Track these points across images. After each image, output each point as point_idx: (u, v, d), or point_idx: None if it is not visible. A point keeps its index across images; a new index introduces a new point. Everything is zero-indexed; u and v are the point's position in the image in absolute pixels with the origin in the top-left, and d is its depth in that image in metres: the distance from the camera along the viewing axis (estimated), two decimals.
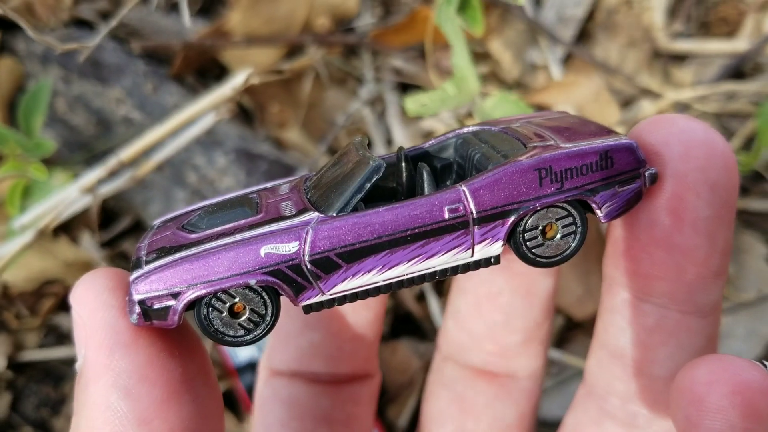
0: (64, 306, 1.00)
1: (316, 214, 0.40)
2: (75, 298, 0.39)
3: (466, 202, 0.41)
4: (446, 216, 0.41)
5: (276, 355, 0.56)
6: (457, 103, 0.82)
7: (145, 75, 1.00)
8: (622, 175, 0.42)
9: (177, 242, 0.40)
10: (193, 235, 0.41)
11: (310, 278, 0.40)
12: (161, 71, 1.04)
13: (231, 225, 0.41)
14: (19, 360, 0.96)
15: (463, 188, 0.41)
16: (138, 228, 1.02)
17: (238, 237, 0.39)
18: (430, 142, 0.49)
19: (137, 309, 0.38)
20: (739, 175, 0.44)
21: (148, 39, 1.09)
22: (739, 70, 1.03)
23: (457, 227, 0.41)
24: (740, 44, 1.02)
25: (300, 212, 0.41)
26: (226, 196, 0.46)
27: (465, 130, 0.49)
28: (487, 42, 1.02)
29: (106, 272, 0.40)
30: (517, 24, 1.04)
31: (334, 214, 0.40)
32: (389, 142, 0.96)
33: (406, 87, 1.06)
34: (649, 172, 0.42)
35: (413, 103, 0.82)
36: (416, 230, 0.40)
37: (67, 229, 0.99)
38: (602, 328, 0.50)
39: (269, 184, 0.48)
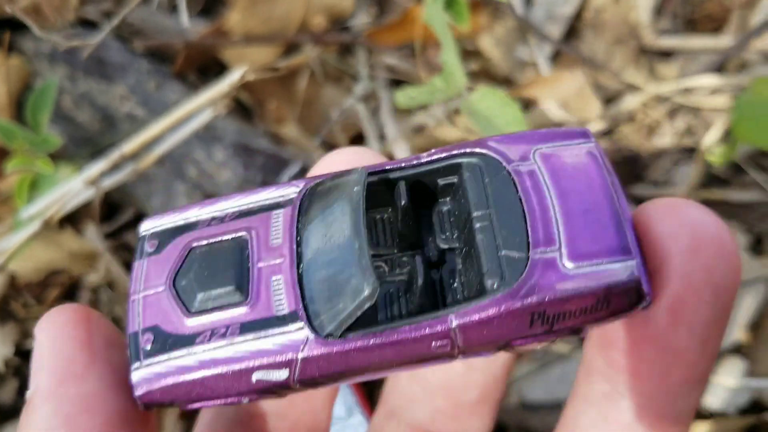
0: (69, 295, 1.04)
1: (307, 332, 0.39)
2: (39, 330, 0.40)
3: (454, 338, 0.40)
4: (433, 348, 0.40)
5: None
6: (445, 97, 0.85)
7: (148, 73, 1.03)
8: (618, 314, 0.39)
9: (175, 328, 0.40)
10: (189, 322, 0.40)
11: (296, 391, 0.41)
12: (164, 69, 1.08)
13: (223, 318, 0.40)
14: (25, 347, 1.00)
15: (453, 323, 0.39)
16: (140, 220, 1.06)
17: (230, 350, 0.39)
18: (432, 157, 0.44)
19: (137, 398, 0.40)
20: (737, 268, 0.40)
21: (151, 38, 1.13)
22: (723, 65, 1.06)
23: (443, 355, 0.40)
24: (725, 40, 1.04)
25: (291, 318, 0.40)
26: (219, 234, 0.43)
27: (476, 150, 0.43)
28: (478, 39, 1.06)
29: (72, 308, 0.41)
30: (507, 22, 1.07)
31: (325, 337, 0.39)
32: (382, 137, 1.00)
33: (399, 83, 1.09)
34: (645, 304, 0.39)
35: (403, 96, 0.85)
36: (403, 360, 0.40)
37: (73, 220, 1.02)
38: (573, 416, 0.47)
39: (263, 197, 0.44)
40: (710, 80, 0.90)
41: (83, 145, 1.03)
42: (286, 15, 1.03)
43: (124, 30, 1.13)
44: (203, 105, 0.79)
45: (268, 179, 0.92)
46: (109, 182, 0.82)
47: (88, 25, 1.13)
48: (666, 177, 0.99)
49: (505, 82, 1.07)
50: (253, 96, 1.08)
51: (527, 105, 0.96)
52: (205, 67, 1.14)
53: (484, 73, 1.06)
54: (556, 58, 1.08)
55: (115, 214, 1.06)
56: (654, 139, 1.02)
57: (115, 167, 0.81)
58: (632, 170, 0.98)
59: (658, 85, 1.05)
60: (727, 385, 0.85)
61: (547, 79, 0.93)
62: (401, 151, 0.91)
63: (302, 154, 0.96)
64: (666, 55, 1.09)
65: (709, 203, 0.95)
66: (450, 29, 0.85)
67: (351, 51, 1.10)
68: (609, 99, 1.05)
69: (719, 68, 1.06)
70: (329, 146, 1.08)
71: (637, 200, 0.97)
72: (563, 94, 0.92)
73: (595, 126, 0.97)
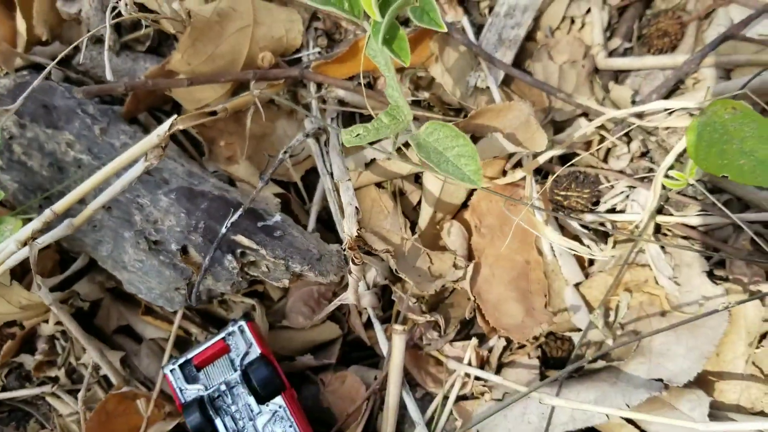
0: (24, 347, 1.03)
1: None
2: None
3: None
4: None
5: None
6: (391, 132, 0.83)
7: (95, 117, 1.02)
8: None
9: None
10: None
11: None
12: (114, 110, 1.06)
13: None
14: None
15: None
16: (91, 268, 1.05)
17: None
18: None
19: None
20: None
21: (100, 80, 1.11)
22: (680, 82, 1.04)
23: None
24: (679, 58, 1.02)
25: None
26: None
27: None
28: (429, 67, 1.04)
29: None
30: (459, 48, 1.05)
31: None
32: (332, 174, 0.98)
33: (353, 116, 1.07)
34: None
35: (349, 135, 0.83)
36: None
37: (24, 273, 1.01)
38: None
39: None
40: (664, 103, 0.88)
41: (36, 191, 1.02)
42: (231, 52, 1.01)
43: (72, 72, 1.12)
44: (135, 157, 0.77)
45: (212, 225, 0.90)
46: (44, 239, 0.80)
47: (39, 68, 1.11)
48: (624, 202, 0.97)
49: (458, 110, 1.05)
50: (203, 134, 1.06)
51: (476, 138, 0.94)
52: (156, 105, 1.12)
53: (438, 101, 1.04)
54: (511, 82, 1.06)
55: (70, 261, 1.05)
56: (611, 162, 1.00)
57: (49, 224, 0.79)
58: (590, 195, 0.96)
59: (613, 106, 1.03)
60: (691, 417, 0.83)
61: (494, 108, 0.91)
62: (346, 190, 0.89)
63: (249, 195, 0.94)
64: (623, 72, 1.07)
65: (668, 228, 0.93)
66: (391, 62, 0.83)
67: (303, 83, 1.08)
68: (564, 122, 1.03)
69: (676, 85, 1.03)
70: (282, 184, 1.06)
71: (595, 227, 0.95)
72: (510, 125, 0.89)
73: (547, 154, 0.94)
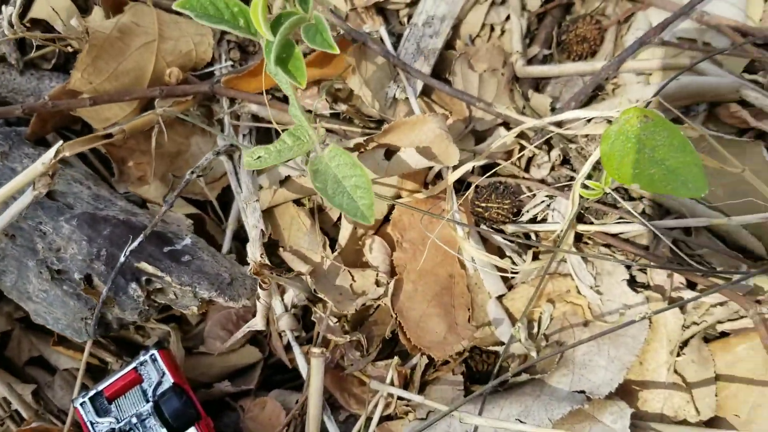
0: None
1: None
2: None
3: None
4: None
5: None
6: (295, 154, 0.81)
7: None
8: None
9: None
10: None
11: None
12: (17, 132, 1.01)
13: None
14: None
15: None
16: None
17: None
18: None
19: None
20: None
21: (4, 100, 1.06)
22: (599, 88, 1.03)
23: None
24: (598, 63, 1.01)
25: None
26: None
27: None
28: (346, 78, 1.01)
29: None
30: (376, 59, 1.02)
31: None
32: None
33: (268, 131, 1.04)
34: None
35: (251, 157, 0.80)
36: None
37: None
38: None
39: None
40: (579, 113, 0.86)
41: None
42: (135, 69, 0.97)
43: None
44: (21, 186, 0.72)
45: (114, 252, 0.86)
46: None
47: None
48: (545, 212, 0.96)
49: (379, 121, 1.02)
50: (112, 154, 1.02)
51: (388, 156, 0.92)
52: (64, 125, 1.07)
53: (357, 113, 1.01)
54: (432, 92, 1.04)
55: None
56: (533, 171, 0.99)
57: None
58: (511, 206, 0.94)
59: (533, 114, 1.01)
60: (613, 429, 0.81)
61: (409, 122, 0.89)
62: (252, 212, 0.86)
63: (154, 217, 0.90)
64: (543, 79, 1.06)
65: (589, 237, 0.92)
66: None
67: (217, 99, 1.04)
68: (485, 131, 1.02)
69: (595, 92, 1.03)
70: (198, 204, 1.02)
71: (517, 237, 0.93)
72: (426, 138, 0.87)
73: (467, 165, 0.92)
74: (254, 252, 0.80)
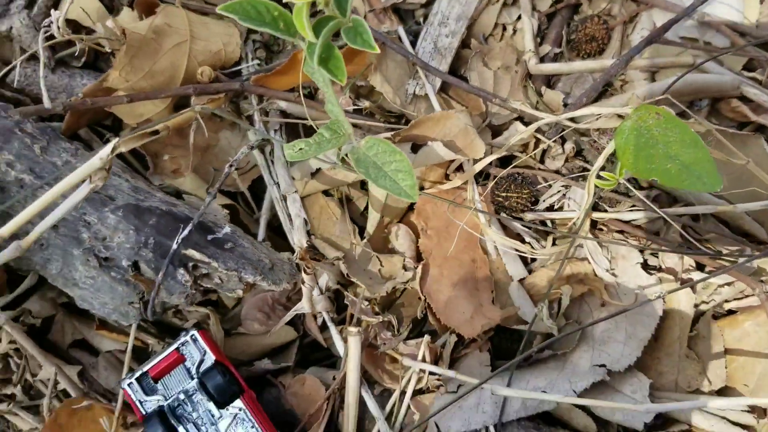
0: None
1: None
2: None
3: None
4: None
5: None
6: (332, 146, 0.86)
7: (34, 135, 1.00)
8: None
9: None
10: None
11: None
12: (53, 128, 1.05)
13: None
14: None
15: None
16: (41, 285, 1.04)
17: None
18: None
19: None
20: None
21: (37, 97, 1.10)
22: (608, 84, 1.10)
23: None
24: (607, 61, 1.08)
25: None
26: None
27: None
28: (368, 76, 1.06)
29: None
30: (396, 57, 1.08)
31: None
32: (278, 185, 0.99)
33: (296, 126, 1.09)
34: None
35: (291, 149, 0.85)
36: None
37: None
38: None
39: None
40: (593, 109, 0.92)
41: None
42: (169, 67, 1.02)
43: (8, 91, 1.10)
44: (78, 180, 0.77)
45: (161, 240, 0.90)
46: None
47: None
48: (562, 201, 1.02)
49: (400, 116, 1.07)
50: (147, 149, 1.06)
51: (416, 147, 0.97)
52: (97, 121, 1.11)
53: (379, 109, 1.06)
54: (449, 88, 1.09)
55: (18, 279, 1.03)
56: (547, 163, 1.05)
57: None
58: (529, 195, 1.00)
59: (546, 109, 1.07)
60: (633, 400, 0.87)
61: (434, 117, 0.94)
62: (293, 202, 0.91)
63: (196, 207, 0.95)
64: (554, 76, 1.12)
65: (603, 223, 0.98)
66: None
67: (245, 96, 1.09)
68: (501, 126, 1.07)
69: (605, 88, 1.09)
70: (230, 194, 1.07)
71: (535, 224, 0.99)
72: (450, 132, 0.93)
73: (486, 159, 0.98)
74: (300, 239, 0.85)
